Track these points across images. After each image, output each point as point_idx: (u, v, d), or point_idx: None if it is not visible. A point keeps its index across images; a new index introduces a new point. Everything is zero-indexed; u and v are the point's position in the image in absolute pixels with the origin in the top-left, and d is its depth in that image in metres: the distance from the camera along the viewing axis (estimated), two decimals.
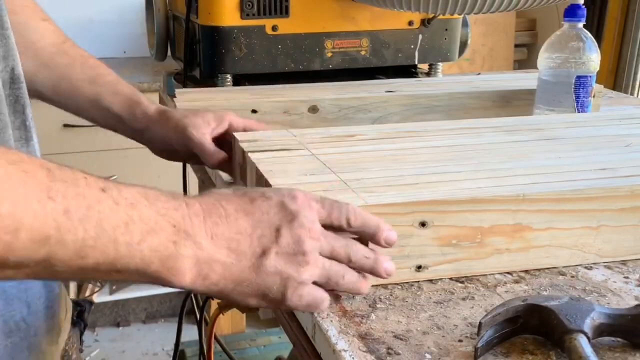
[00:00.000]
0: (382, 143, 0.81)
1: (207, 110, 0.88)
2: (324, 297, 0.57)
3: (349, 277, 0.58)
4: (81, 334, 0.79)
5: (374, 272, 0.59)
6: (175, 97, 1.10)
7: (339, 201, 0.58)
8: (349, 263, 0.57)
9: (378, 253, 0.59)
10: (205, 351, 0.97)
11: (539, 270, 0.68)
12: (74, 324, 0.78)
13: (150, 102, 0.90)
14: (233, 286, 0.53)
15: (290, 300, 0.55)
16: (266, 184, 0.68)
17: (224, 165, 0.85)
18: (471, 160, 0.75)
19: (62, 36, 0.90)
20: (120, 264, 0.48)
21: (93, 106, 0.88)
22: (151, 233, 0.48)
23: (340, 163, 0.73)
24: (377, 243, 0.59)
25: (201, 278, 0.52)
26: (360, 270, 0.58)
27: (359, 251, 0.58)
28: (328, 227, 0.57)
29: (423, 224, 0.63)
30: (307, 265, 0.55)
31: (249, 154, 0.76)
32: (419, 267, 0.64)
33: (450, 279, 0.66)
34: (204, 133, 0.85)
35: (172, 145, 0.88)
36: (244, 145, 0.79)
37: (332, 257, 0.57)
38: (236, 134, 0.83)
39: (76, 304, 0.81)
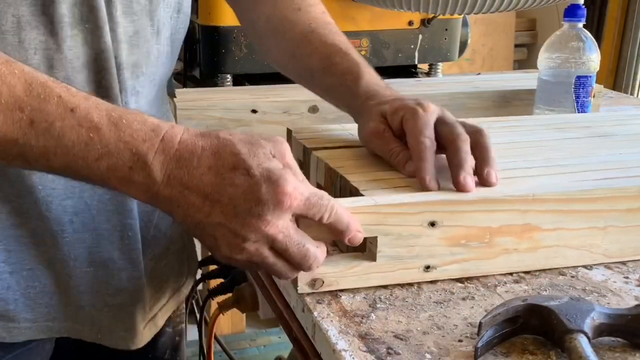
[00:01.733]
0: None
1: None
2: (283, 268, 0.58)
3: (278, 269, 0.58)
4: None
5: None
6: (175, 97, 1.10)
7: (323, 198, 0.57)
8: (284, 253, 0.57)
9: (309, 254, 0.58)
10: (205, 351, 0.97)
11: (539, 270, 0.68)
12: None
13: (368, 93, 0.80)
14: (180, 219, 0.57)
15: (221, 257, 0.57)
16: (341, 180, 0.69)
17: None
18: (536, 156, 0.77)
19: (313, 24, 0.87)
20: (82, 175, 0.55)
21: (327, 98, 0.87)
22: (108, 155, 0.54)
23: None
24: (342, 240, 0.59)
25: (154, 205, 0.57)
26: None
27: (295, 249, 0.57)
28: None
29: (432, 224, 0.63)
30: (242, 251, 0.56)
31: (314, 151, 0.76)
32: (427, 267, 0.64)
33: (451, 278, 0.66)
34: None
35: None
36: (304, 142, 0.79)
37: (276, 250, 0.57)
38: (292, 129, 0.83)
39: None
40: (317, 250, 0.58)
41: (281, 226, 0.55)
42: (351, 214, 0.59)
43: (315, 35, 0.85)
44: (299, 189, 0.55)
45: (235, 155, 0.55)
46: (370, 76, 0.80)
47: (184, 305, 0.95)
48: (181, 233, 0.87)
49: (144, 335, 0.81)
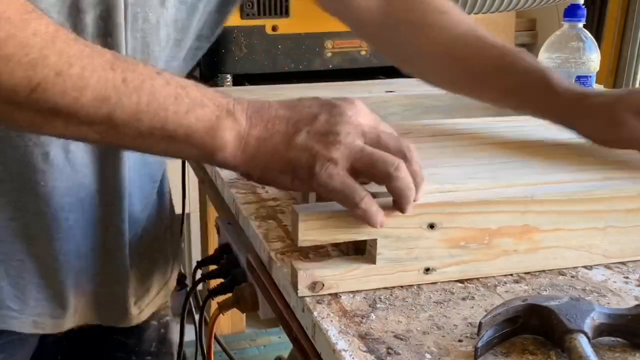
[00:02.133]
0: (439, 140, 0.83)
1: None
2: (361, 193, 0.57)
3: (385, 167, 0.57)
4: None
5: (401, 197, 0.58)
6: None
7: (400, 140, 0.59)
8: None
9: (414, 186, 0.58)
10: (205, 351, 0.97)
11: (539, 271, 0.68)
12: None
13: (572, 92, 0.79)
14: (266, 161, 0.59)
15: (320, 176, 0.57)
16: None
17: None
18: (535, 157, 0.77)
19: (466, 26, 0.86)
20: (170, 130, 0.57)
21: (505, 100, 0.85)
22: (197, 107, 0.57)
23: None
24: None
25: (240, 150, 0.59)
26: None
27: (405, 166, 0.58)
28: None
29: (432, 226, 0.63)
30: (338, 144, 0.57)
31: None
32: (427, 270, 0.64)
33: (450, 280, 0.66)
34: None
35: None
36: None
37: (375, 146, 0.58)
38: None
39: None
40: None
41: (363, 120, 0.59)
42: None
43: (478, 38, 0.84)
44: (363, 109, 0.60)
45: (300, 99, 0.60)
46: (554, 72, 0.80)
47: (169, 299, 0.98)
48: (164, 232, 0.91)
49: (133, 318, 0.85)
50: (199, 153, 0.59)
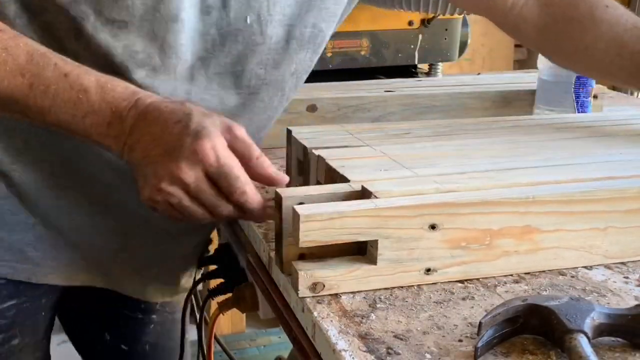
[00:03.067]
0: (440, 140, 0.83)
1: None
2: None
3: (192, 211, 0.66)
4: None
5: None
6: None
7: (239, 179, 0.64)
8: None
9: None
10: (205, 351, 0.97)
11: (539, 271, 0.68)
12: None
13: None
14: (139, 164, 0.65)
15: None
16: (341, 179, 0.69)
17: None
18: (536, 157, 0.77)
19: (627, 23, 0.89)
20: (71, 130, 0.66)
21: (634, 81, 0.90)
22: (93, 113, 0.64)
23: (408, 159, 0.74)
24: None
25: (126, 151, 0.66)
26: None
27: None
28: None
29: (433, 227, 0.63)
30: (160, 191, 0.64)
31: (314, 150, 0.76)
32: (427, 270, 0.64)
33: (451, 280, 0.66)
34: None
35: None
36: (305, 142, 0.79)
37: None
38: (292, 129, 0.83)
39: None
40: (229, 206, 0.66)
41: (194, 176, 0.63)
42: (267, 202, 0.66)
43: (609, 22, 0.87)
44: (218, 151, 0.62)
45: (187, 115, 0.64)
46: None
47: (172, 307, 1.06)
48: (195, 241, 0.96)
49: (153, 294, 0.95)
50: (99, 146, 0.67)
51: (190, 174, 0.62)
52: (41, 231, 0.82)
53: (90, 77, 0.65)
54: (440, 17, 1.32)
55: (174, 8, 0.69)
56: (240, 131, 0.66)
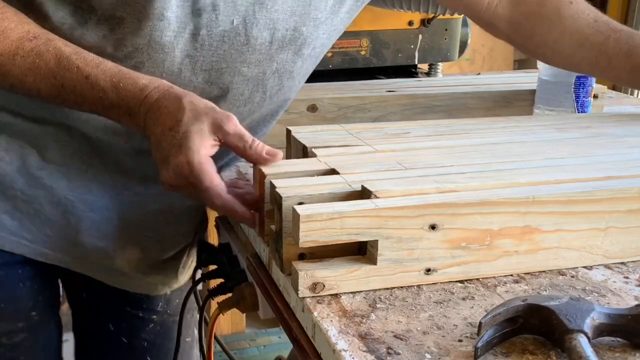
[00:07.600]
0: (440, 140, 0.83)
1: None
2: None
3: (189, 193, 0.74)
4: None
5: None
6: None
7: (212, 187, 0.70)
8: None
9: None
10: (205, 351, 0.97)
11: (540, 271, 0.68)
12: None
13: None
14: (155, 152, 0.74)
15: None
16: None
17: None
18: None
19: (589, 13, 0.97)
20: (105, 116, 0.77)
21: (631, 79, 0.96)
22: (114, 107, 0.75)
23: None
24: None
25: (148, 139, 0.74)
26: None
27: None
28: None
29: (433, 227, 0.63)
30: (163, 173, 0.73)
31: (314, 150, 0.76)
32: (428, 270, 0.64)
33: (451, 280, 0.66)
34: None
35: None
36: (304, 142, 0.79)
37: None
38: (292, 129, 0.84)
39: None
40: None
41: (182, 183, 0.71)
42: (239, 204, 0.71)
43: (606, 23, 0.96)
44: (191, 166, 0.69)
45: (178, 121, 0.71)
46: None
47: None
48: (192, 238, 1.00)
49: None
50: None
51: (178, 181, 0.72)
52: (20, 204, 0.86)
53: (106, 78, 0.74)
54: (440, 17, 1.32)
55: (159, 7, 0.75)
56: (230, 126, 0.71)
